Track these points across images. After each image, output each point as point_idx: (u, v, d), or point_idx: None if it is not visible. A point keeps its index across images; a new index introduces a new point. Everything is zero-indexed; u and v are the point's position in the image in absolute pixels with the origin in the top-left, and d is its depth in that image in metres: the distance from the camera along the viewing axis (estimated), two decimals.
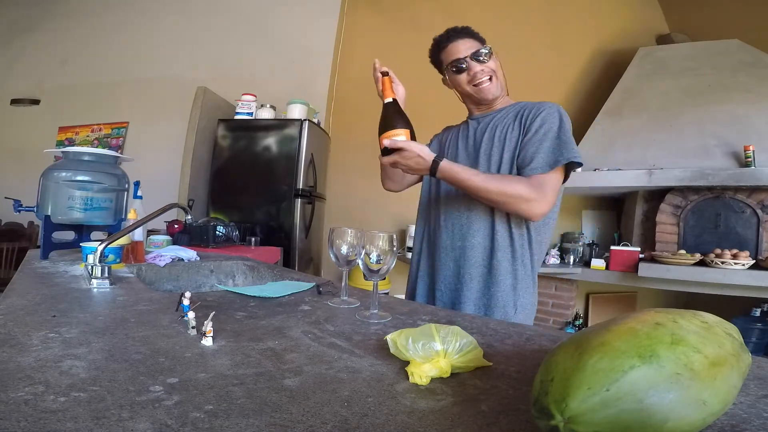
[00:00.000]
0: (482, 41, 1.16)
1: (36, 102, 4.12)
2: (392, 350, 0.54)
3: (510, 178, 1.07)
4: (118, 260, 1.14)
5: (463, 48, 1.14)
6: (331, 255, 0.87)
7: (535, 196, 1.03)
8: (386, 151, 1.06)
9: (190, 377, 0.49)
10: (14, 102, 4.12)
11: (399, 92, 1.13)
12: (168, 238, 1.74)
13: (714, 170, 2.82)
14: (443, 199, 1.22)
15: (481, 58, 1.13)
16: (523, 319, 1.12)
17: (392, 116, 1.07)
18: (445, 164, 1.05)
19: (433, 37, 1.20)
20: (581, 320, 3.58)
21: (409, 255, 3.26)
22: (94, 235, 1.46)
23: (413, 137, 1.07)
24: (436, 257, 1.22)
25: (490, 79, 1.14)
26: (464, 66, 1.14)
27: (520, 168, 1.09)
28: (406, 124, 1.07)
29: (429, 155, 1.04)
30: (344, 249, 0.85)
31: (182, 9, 3.86)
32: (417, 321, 0.80)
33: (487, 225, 1.14)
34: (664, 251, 2.94)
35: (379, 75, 1.11)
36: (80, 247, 1.15)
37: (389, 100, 1.09)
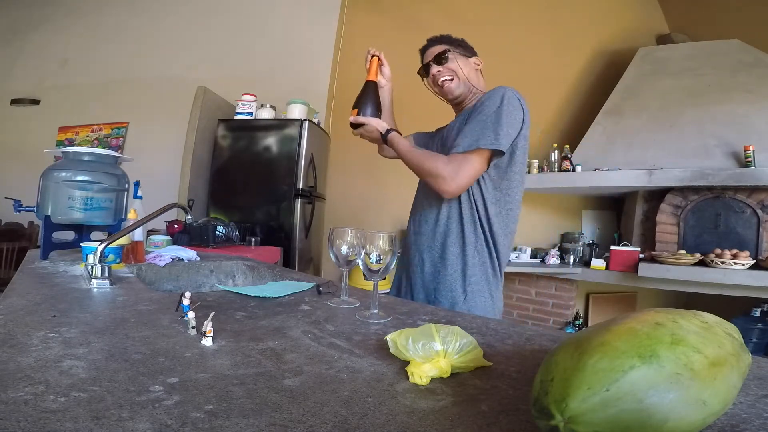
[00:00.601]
0: (454, 43, 1.27)
1: (36, 102, 4.12)
2: (392, 350, 0.54)
3: (432, 155, 1.15)
4: (118, 260, 1.14)
5: (430, 54, 1.27)
6: (331, 255, 0.87)
7: (447, 174, 1.09)
8: (356, 125, 1.25)
9: (190, 377, 0.49)
10: (14, 102, 4.12)
11: (384, 72, 1.34)
12: (168, 238, 1.74)
13: (714, 170, 2.82)
14: (417, 193, 1.34)
15: (441, 61, 1.24)
16: (476, 307, 1.15)
17: (365, 95, 1.26)
18: (393, 135, 1.21)
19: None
20: (581, 320, 3.58)
21: None
22: (94, 235, 1.46)
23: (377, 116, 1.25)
24: (406, 246, 1.33)
25: (452, 79, 1.24)
26: (428, 69, 1.27)
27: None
28: (376, 104, 1.26)
29: (383, 128, 1.22)
30: (344, 249, 0.85)
31: (182, 9, 3.86)
32: (417, 321, 0.80)
33: (438, 211, 1.21)
34: (664, 251, 2.94)
35: (369, 56, 1.31)
36: (80, 247, 1.15)
37: (370, 80, 1.28)
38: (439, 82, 1.25)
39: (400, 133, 1.27)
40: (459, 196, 1.16)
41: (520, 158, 1.15)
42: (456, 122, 1.25)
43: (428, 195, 1.24)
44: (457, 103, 1.29)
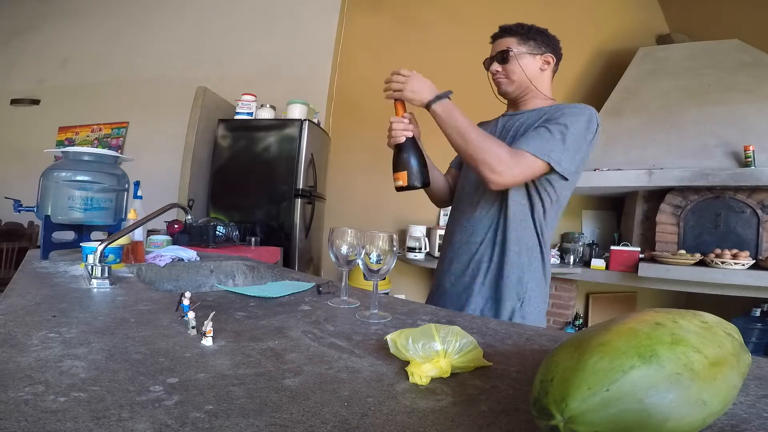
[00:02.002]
0: (527, 36, 1.18)
1: (36, 102, 4.12)
2: (392, 350, 0.54)
3: (495, 139, 1.07)
4: (118, 260, 1.14)
5: (497, 46, 1.21)
6: (331, 255, 0.87)
7: (505, 164, 1.02)
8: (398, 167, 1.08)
9: (190, 377, 0.49)
10: (14, 102, 4.12)
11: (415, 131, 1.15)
12: (168, 238, 1.74)
13: (714, 170, 2.82)
14: (458, 203, 1.28)
15: (503, 60, 1.19)
16: (531, 313, 1.13)
17: (407, 152, 1.09)
18: (445, 101, 1.05)
19: None
20: (581, 320, 3.58)
21: (409, 255, 3.28)
22: (94, 235, 1.46)
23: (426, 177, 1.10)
24: (452, 256, 1.25)
25: (507, 78, 1.20)
26: (488, 65, 1.23)
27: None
28: (420, 160, 1.09)
29: (431, 93, 1.06)
30: (344, 249, 0.85)
31: (182, 9, 3.86)
32: (417, 321, 0.80)
33: (495, 218, 1.17)
34: (664, 251, 2.94)
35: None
36: (80, 247, 1.15)
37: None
38: (495, 81, 1.23)
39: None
40: (523, 202, 1.13)
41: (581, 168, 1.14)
42: (522, 118, 1.19)
43: (480, 202, 1.18)
44: (509, 102, 1.27)
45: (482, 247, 1.17)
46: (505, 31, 1.21)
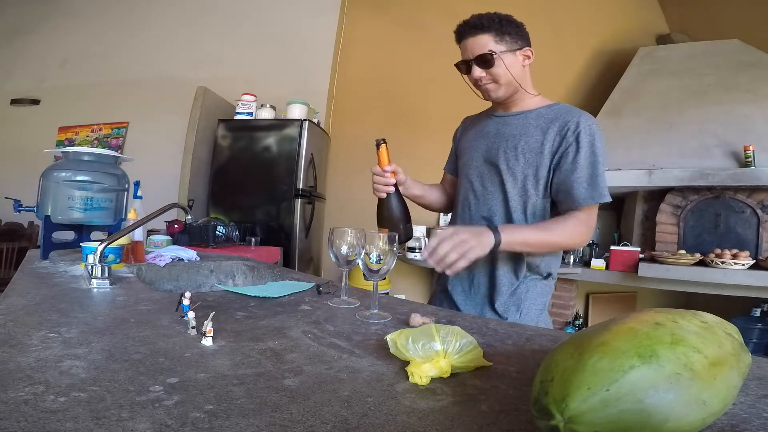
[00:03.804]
0: (502, 30, 1.07)
1: (36, 102, 4.12)
2: (392, 350, 0.54)
3: (565, 224, 1.04)
4: (118, 260, 1.14)
5: (470, 47, 1.08)
6: (331, 255, 0.87)
7: (585, 233, 1.06)
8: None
9: (190, 377, 0.49)
10: (14, 102, 4.12)
11: (399, 179, 1.13)
12: (168, 238, 1.74)
13: (714, 170, 2.82)
14: (461, 211, 1.22)
15: (486, 64, 1.07)
16: (529, 321, 1.10)
17: (392, 205, 1.10)
18: (507, 238, 0.99)
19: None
20: (581, 320, 3.58)
21: (409, 255, 3.28)
22: (94, 235, 1.46)
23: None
24: None
25: (494, 82, 1.10)
26: (468, 68, 1.10)
27: (558, 193, 1.07)
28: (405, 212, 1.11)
29: (490, 242, 0.98)
30: (344, 249, 0.85)
31: (182, 9, 3.86)
32: None
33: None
34: (664, 251, 2.94)
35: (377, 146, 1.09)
36: (80, 247, 1.15)
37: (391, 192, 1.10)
38: (482, 88, 1.12)
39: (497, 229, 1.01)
40: (523, 214, 1.11)
41: None
42: (518, 123, 1.13)
43: (482, 212, 1.15)
44: (497, 104, 1.19)
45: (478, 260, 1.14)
46: (476, 27, 1.07)
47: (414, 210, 1.28)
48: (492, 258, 1.09)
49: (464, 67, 1.11)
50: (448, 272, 0.95)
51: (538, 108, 1.13)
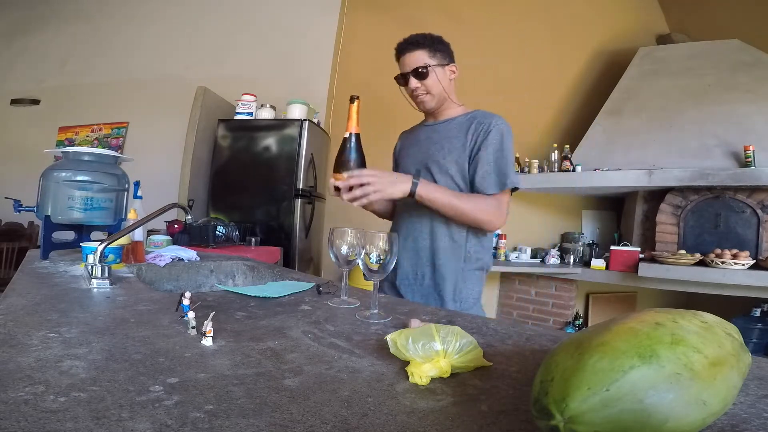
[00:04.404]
0: (434, 48, 1.23)
1: (36, 102, 4.12)
2: (392, 350, 0.54)
3: (473, 203, 1.18)
4: (118, 260, 1.14)
5: (408, 62, 1.23)
6: (331, 255, 0.87)
7: (496, 216, 1.19)
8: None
9: (190, 377, 0.49)
10: (14, 102, 4.13)
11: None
12: (168, 238, 1.74)
13: (714, 170, 2.82)
14: (401, 213, 1.35)
15: (421, 76, 1.22)
16: (467, 309, 1.23)
17: (351, 150, 1.07)
18: (423, 188, 1.12)
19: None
20: (581, 320, 3.58)
21: None
22: (94, 235, 1.46)
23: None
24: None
25: (427, 93, 1.25)
26: (405, 81, 1.25)
27: (473, 183, 1.21)
28: (362, 161, 1.09)
29: (407, 185, 1.10)
30: (344, 249, 0.85)
31: (182, 9, 3.86)
32: None
33: (430, 227, 1.25)
34: (664, 251, 2.94)
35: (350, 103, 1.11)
36: (80, 247, 1.14)
37: (354, 132, 1.08)
38: (417, 99, 1.27)
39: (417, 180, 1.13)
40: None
41: None
42: (444, 130, 1.27)
43: (418, 212, 1.26)
44: (428, 115, 1.34)
45: (419, 254, 1.26)
46: (412, 44, 1.23)
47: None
48: (433, 250, 1.23)
49: (402, 79, 1.26)
50: (354, 204, 1.05)
51: (460, 115, 1.29)
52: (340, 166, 1.07)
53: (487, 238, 1.28)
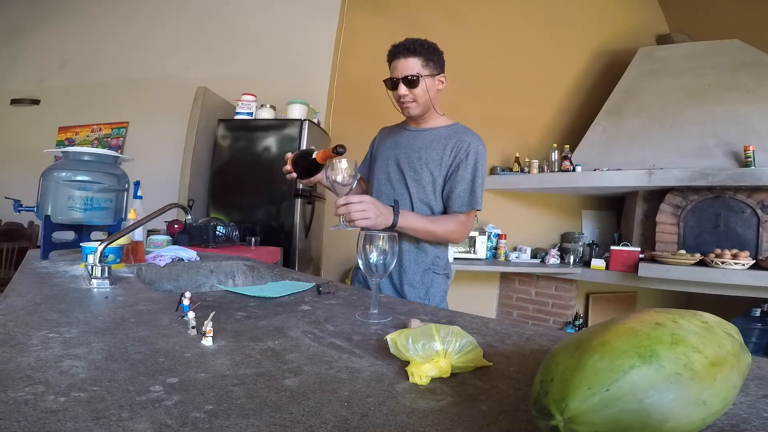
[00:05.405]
0: (429, 57, 1.25)
1: (36, 102, 4.11)
2: (392, 350, 0.54)
3: (442, 225, 1.27)
4: (118, 260, 1.14)
5: (400, 67, 1.24)
6: (327, 183, 0.96)
7: (462, 231, 1.30)
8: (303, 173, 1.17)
9: (190, 377, 0.49)
10: (14, 102, 4.12)
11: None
12: (168, 238, 1.74)
13: (714, 170, 2.82)
14: None
15: (411, 84, 1.24)
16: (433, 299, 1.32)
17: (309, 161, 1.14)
18: (403, 220, 1.20)
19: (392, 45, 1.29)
20: (581, 320, 3.58)
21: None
22: (94, 235, 1.46)
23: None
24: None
25: (414, 101, 1.27)
26: (394, 86, 1.26)
27: (446, 199, 1.30)
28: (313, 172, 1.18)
29: (389, 219, 1.16)
30: (340, 178, 0.95)
31: (182, 9, 3.86)
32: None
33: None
34: (664, 251, 2.94)
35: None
36: (80, 247, 1.15)
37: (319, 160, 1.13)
38: (403, 105, 1.29)
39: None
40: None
41: None
42: (425, 138, 1.32)
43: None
44: (411, 120, 1.37)
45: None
46: (407, 50, 1.24)
47: None
48: (401, 256, 1.30)
49: (390, 83, 1.28)
50: (345, 218, 1.10)
51: (441, 126, 1.33)
52: (298, 159, 1.18)
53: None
